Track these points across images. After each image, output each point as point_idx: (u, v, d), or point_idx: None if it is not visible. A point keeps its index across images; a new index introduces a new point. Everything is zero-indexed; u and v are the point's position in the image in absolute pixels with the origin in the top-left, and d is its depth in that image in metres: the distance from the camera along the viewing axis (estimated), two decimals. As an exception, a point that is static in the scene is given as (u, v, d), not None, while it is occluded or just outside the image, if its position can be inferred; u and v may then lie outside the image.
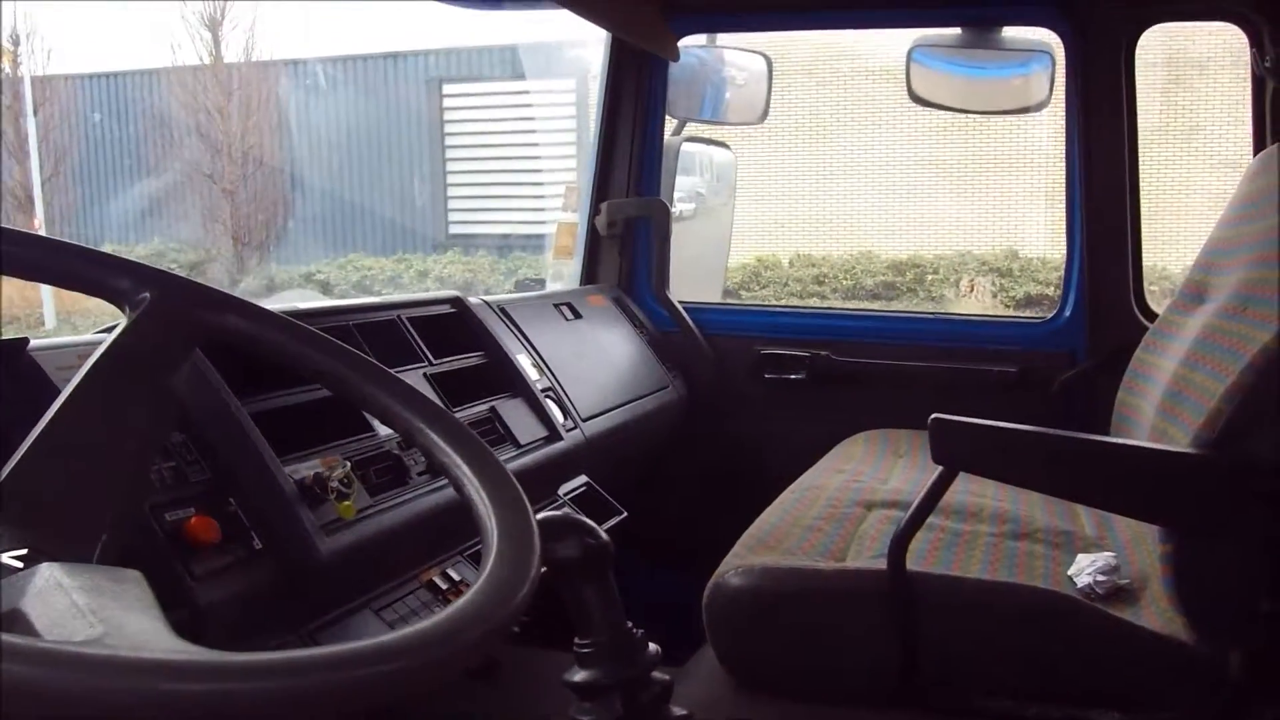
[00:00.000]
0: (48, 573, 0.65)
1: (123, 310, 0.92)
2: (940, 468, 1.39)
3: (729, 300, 3.17)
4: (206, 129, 10.99)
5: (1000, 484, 1.87)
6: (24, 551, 0.72)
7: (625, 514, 1.89)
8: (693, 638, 1.63)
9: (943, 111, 2.57)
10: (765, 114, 2.60)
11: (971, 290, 9.35)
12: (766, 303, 8.40)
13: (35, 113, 11.20)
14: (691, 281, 2.70)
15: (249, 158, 10.90)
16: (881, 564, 1.43)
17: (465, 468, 0.88)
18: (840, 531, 1.67)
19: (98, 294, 0.93)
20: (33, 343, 1.16)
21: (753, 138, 8.73)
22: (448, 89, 11.03)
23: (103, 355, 0.87)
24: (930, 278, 9.70)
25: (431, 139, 11.07)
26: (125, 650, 0.53)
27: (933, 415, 1.40)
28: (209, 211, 10.79)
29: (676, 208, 2.64)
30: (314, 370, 0.98)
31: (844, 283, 9.82)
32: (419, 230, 11.16)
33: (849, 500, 1.80)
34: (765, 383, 2.48)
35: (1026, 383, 2.31)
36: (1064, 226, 2.34)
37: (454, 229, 11.13)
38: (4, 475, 0.76)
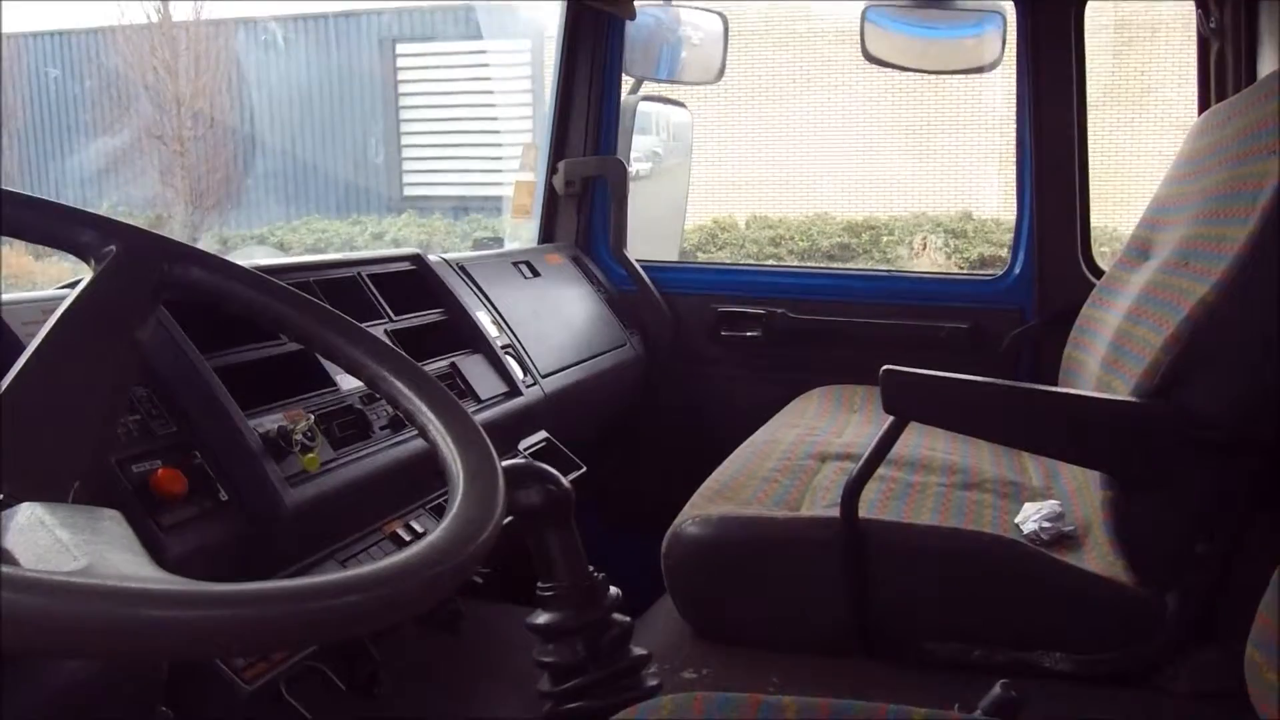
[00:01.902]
0: (28, 511, 0.67)
1: (88, 263, 0.93)
2: (891, 418, 1.43)
3: (686, 260, 3.19)
4: (155, 88, 10.80)
5: (951, 438, 1.93)
6: (1, 497, 0.73)
7: (585, 469, 1.91)
8: (651, 595, 1.67)
9: (898, 72, 2.59)
10: (721, 73, 2.62)
11: (925, 249, 9.42)
12: (725, 261, 8.44)
13: (-21, 71, 10.97)
14: (648, 242, 2.72)
15: (199, 118, 10.73)
16: (835, 513, 1.47)
17: (430, 413, 0.90)
18: (795, 483, 1.71)
19: (63, 247, 0.94)
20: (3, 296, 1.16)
21: (709, 98, 8.73)
22: (401, 48, 10.91)
23: (69, 308, 0.88)
24: (886, 239, 9.77)
25: (386, 99, 10.95)
26: (112, 579, 0.55)
27: (884, 367, 1.44)
28: (162, 173, 10.63)
29: (633, 167, 2.66)
30: (279, 321, 1.00)
31: (800, 244, 9.86)
32: (374, 192, 11.07)
33: (804, 453, 1.84)
34: (722, 340, 2.51)
35: (977, 339, 2.36)
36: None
37: (409, 190, 11.04)
38: None
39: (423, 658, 1.66)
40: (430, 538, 0.71)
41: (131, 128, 10.72)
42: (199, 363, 1.25)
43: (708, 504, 1.60)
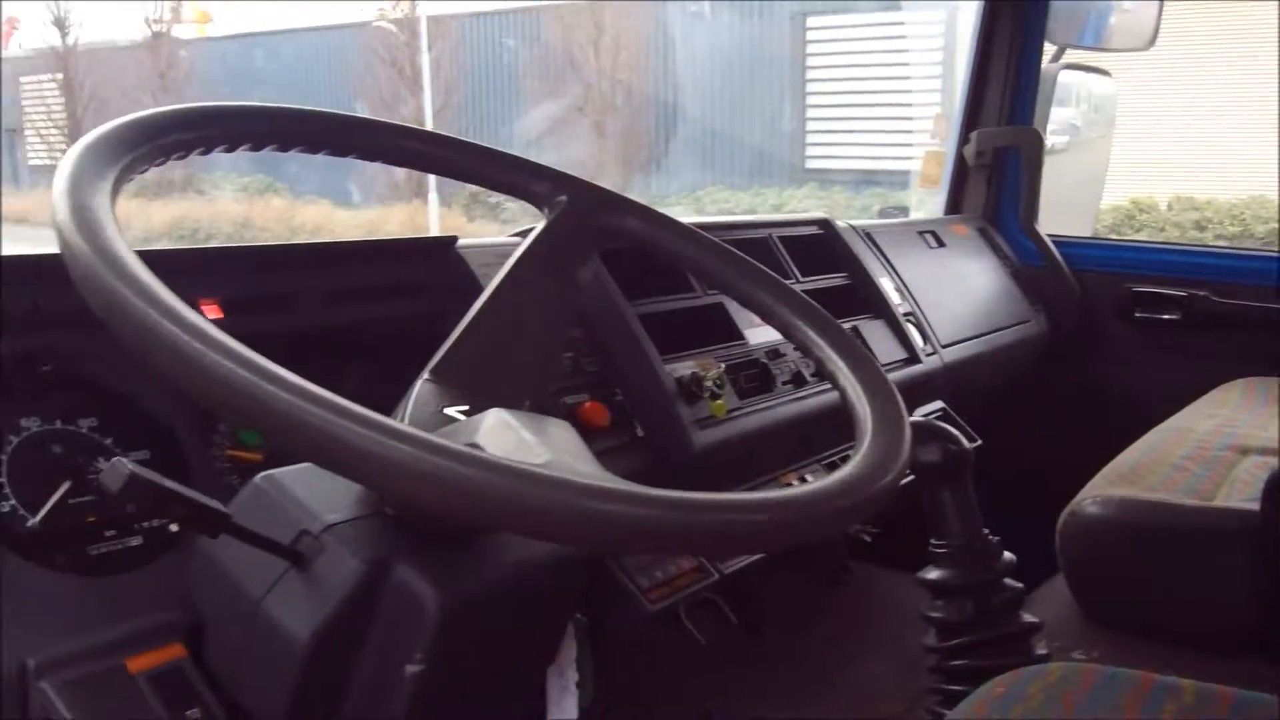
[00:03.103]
0: (496, 415, 0.78)
1: (540, 211, 1.05)
2: None
3: (1099, 237, 3.04)
4: (579, 63, 11.53)
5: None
6: (465, 408, 0.85)
7: (979, 443, 1.90)
8: (1039, 576, 1.63)
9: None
10: (1154, 39, 2.46)
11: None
12: (1142, 240, 7.90)
13: (429, 49, 12.15)
14: (1059, 218, 2.61)
15: (619, 89, 11.35)
16: (1253, 506, 1.38)
17: (841, 362, 0.95)
18: (1210, 473, 1.62)
19: (520, 196, 1.06)
20: (460, 241, 1.33)
21: (1135, 66, 8.15)
22: (812, 20, 10.99)
23: (527, 249, 0.99)
24: (1336, 227, 8.76)
25: (793, 70, 11.07)
26: (572, 474, 0.64)
27: None
28: (592, 138, 11.35)
29: (1048, 140, 2.57)
30: (704, 270, 1.08)
31: (1230, 229, 9.03)
32: (778, 162, 11.25)
33: (1221, 444, 1.73)
34: (1135, 322, 2.38)
35: None
36: None
37: (811, 163, 11.13)
38: (445, 350, 0.90)
39: (807, 607, 1.72)
40: (840, 473, 0.76)
41: (560, 98, 11.50)
42: (625, 308, 1.37)
43: (1110, 486, 1.55)
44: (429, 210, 11.53)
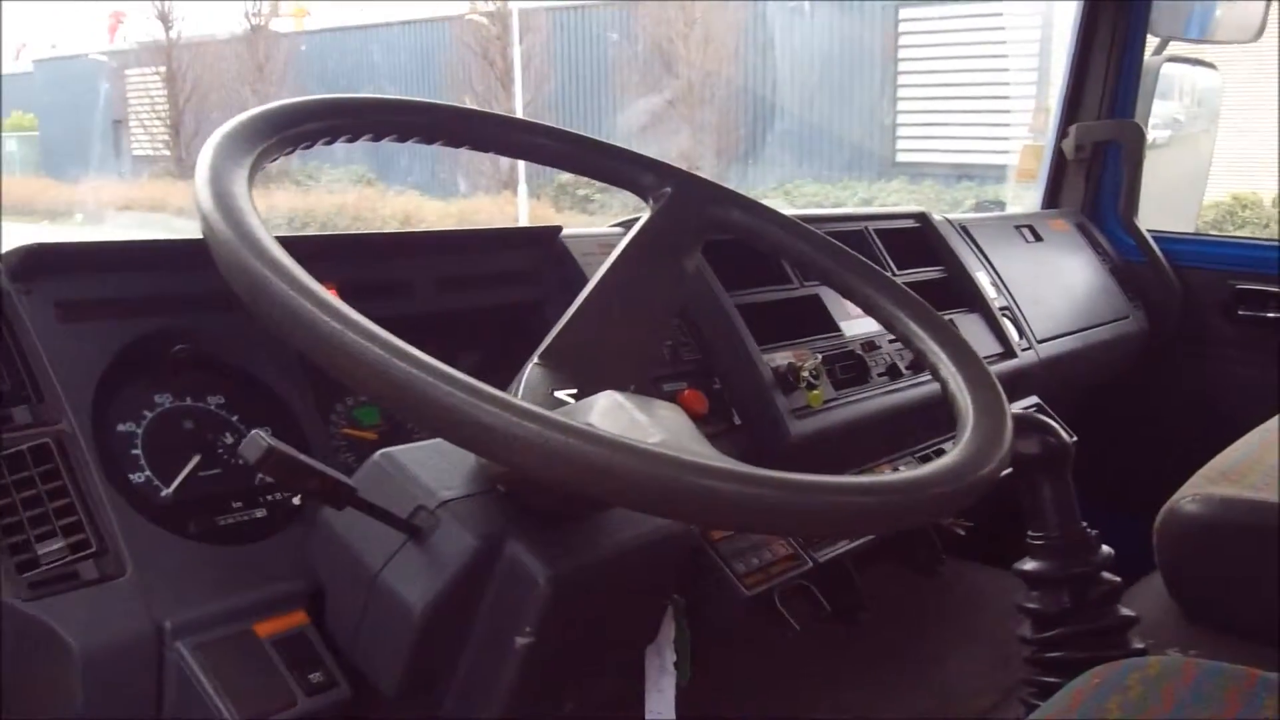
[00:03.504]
0: (609, 397, 0.81)
1: (645, 202, 1.07)
2: None
3: (1202, 233, 2.98)
4: (670, 56, 11.56)
5: None
6: (574, 390, 0.88)
7: (1075, 439, 1.88)
8: (1134, 575, 1.62)
9: None
10: (1261, 31, 2.41)
11: None
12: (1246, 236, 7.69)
13: (520, 41, 12.27)
14: (1160, 214, 2.57)
15: (707, 84, 11.35)
16: (1360, 508, 1.36)
17: (942, 353, 0.96)
18: (1315, 474, 1.59)
19: (627, 186, 1.09)
20: (564, 231, 1.36)
21: (1240, 59, 7.93)
22: (904, 11, 10.87)
23: (634, 239, 1.02)
24: None
25: (884, 63, 10.97)
26: (687, 454, 0.66)
27: None
28: (674, 138, 11.37)
29: (1150, 134, 2.52)
30: (804, 261, 1.10)
31: (1338, 226, 8.75)
32: (865, 157, 11.16)
33: (1325, 444, 1.69)
34: (1238, 320, 2.34)
35: None
36: None
37: (901, 156, 11.02)
38: (553, 336, 0.93)
39: (901, 599, 1.73)
40: (943, 460, 0.77)
41: (650, 92, 11.53)
42: (724, 299, 1.39)
43: (1209, 484, 1.53)
44: (518, 201, 11.65)
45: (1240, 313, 2.33)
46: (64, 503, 0.85)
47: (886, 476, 0.74)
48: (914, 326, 1.01)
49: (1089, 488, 2.27)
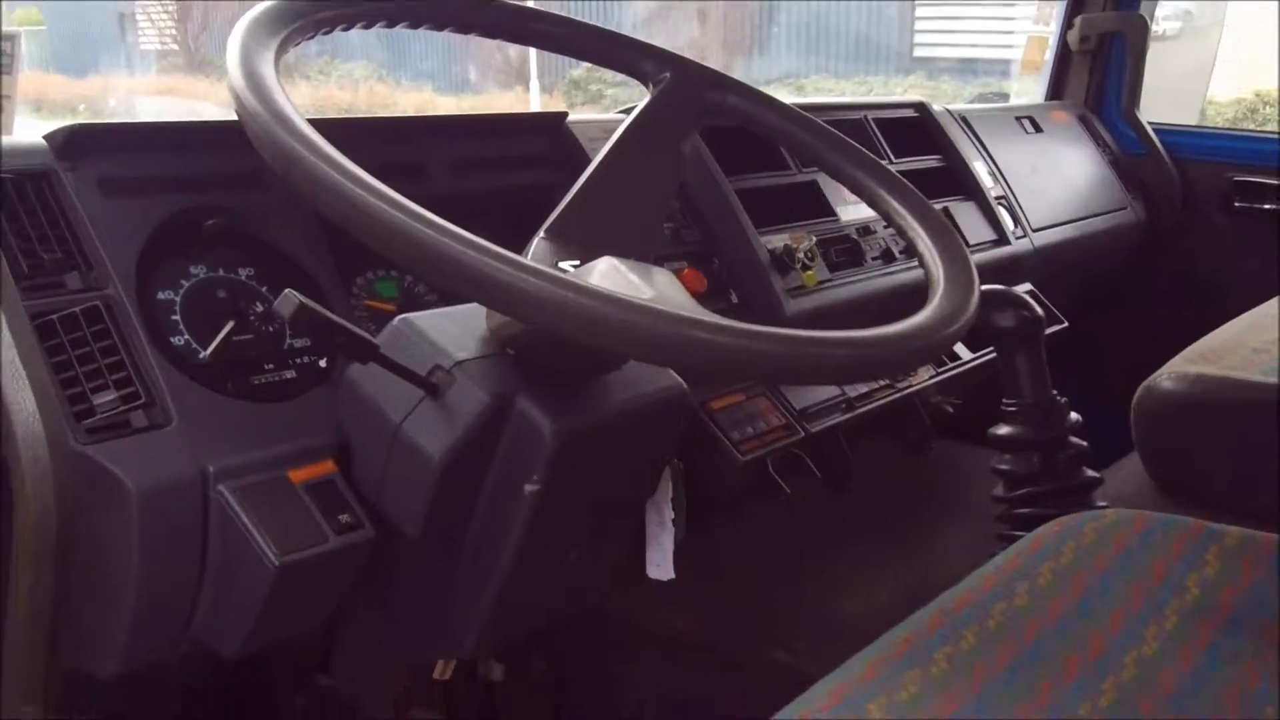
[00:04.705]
0: (607, 261, 0.89)
1: (645, 86, 1.13)
2: None
3: (1205, 125, 2.99)
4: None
5: None
6: (577, 262, 0.96)
7: (1066, 324, 1.95)
8: (1115, 457, 1.68)
9: None
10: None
11: None
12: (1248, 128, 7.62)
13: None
14: (1165, 107, 2.59)
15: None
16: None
17: (921, 230, 1.03)
18: (1293, 356, 1.65)
19: (626, 71, 1.15)
20: (569, 117, 1.42)
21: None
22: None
23: (633, 121, 1.08)
24: None
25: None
26: (674, 308, 0.74)
27: None
28: (682, 30, 11.23)
29: (1159, 26, 2.54)
30: (798, 145, 1.16)
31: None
32: (882, 51, 11.00)
33: (1310, 329, 1.75)
34: (1234, 213, 2.38)
35: None
36: None
37: (919, 51, 10.86)
38: (558, 212, 1.00)
39: (890, 472, 1.81)
40: (913, 319, 0.85)
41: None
42: (723, 182, 1.46)
43: (1189, 364, 1.59)
44: (530, 97, 11.57)
45: (1236, 204, 2.37)
46: (114, 360, 0.93)
47: (861, 332, 0.81)
48: (895, 204, 1.07)
49: (1082, 374, 2.35)
